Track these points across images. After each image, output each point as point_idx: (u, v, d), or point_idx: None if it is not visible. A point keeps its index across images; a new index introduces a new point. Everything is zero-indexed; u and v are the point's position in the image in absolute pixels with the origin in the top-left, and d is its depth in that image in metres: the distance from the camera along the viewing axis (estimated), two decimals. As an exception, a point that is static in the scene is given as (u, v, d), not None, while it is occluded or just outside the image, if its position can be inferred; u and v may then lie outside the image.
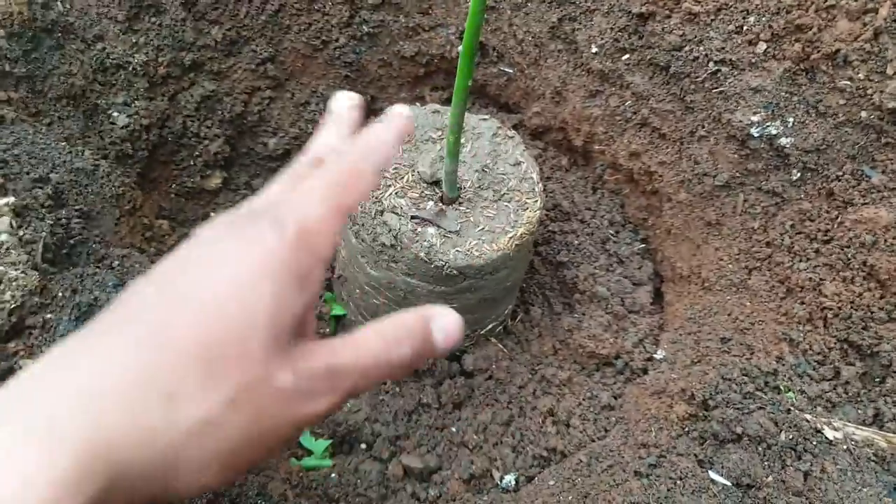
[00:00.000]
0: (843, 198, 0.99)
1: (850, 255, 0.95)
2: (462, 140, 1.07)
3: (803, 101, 1.02)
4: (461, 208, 1.02)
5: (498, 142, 1.12)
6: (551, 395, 1.13)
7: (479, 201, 1.03)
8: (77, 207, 0.86)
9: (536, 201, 1.05)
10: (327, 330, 1.27)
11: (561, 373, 1.15)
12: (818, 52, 0.99)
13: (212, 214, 1.37)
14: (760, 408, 0.85)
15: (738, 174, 1.12)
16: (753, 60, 1.07)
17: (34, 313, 0.68)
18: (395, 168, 1.05)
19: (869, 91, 0.95)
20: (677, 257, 1.27)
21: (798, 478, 0.77)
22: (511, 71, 1.47)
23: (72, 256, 0.77)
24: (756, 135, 1.06)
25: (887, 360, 0.87)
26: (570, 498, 0.85)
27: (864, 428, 0.83)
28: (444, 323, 0.38)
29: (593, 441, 1.03)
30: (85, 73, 1.13)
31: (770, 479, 0.78)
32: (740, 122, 1.08)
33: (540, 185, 1.07)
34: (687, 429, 0.88)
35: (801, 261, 1.02)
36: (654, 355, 1.16)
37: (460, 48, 0.76)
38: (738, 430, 0.83)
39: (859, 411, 0.86)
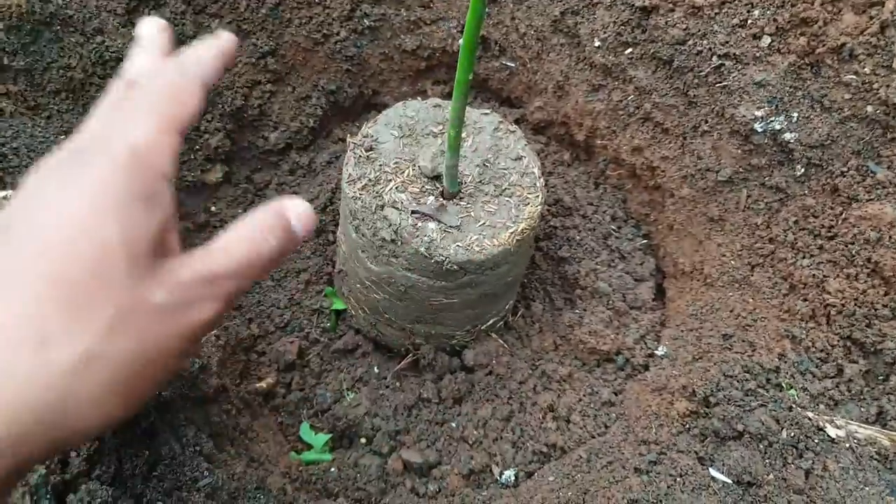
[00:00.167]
0: (848, 194, 0.98)
1: (854, 252, 0.94)
2: (463, 134, 1.06)
3: (808, 95, 1.01)
4: (462, 203, 1.01)
5: (499, 136, 1.12)
6: (552, 391, 1.13)
7: (480, 196, 1.03)
8: (76, 201, 0.85)
9: (538, 196, 1.04)
10: (327, 324, 1.27)
11: (561, 368, 1.15)
12: (823, 45, 0.98)
13: (213, 209, 1.37)
14: (762, 405, 0.85)
15: (741, 169, 1.11)
16: (758, 54, 1.06)
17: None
18: (396, 162, 1.05)
19: (875, 85, 0.94)
20: (679, 253, 1.26)
21: (799, 476, 0.77)
22: (513, 65, 1.46)
23: (70, 250, 0.77)
24: (760, 130, 1.05)
25: (891, 358, 0.87)
26: (569, 494, 0.85)
27: (866, 426, 0.83)
28: (299, 211, 0.41)
29: (593, 437, 1.03)
30: (84, 66, 1.12)
31: (771, 476, 0.78)
32: (744, 116, 1.07)
33: (541, 179, 1.06)
34: (688, 426, 0.88)
35: (804, 257, 1.01)
36: (656, 351, 1.15)
37: (461, 42, 0.76)
38: (740, 427, 0.83)
39: (862, 409, 0.85)
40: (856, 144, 0.98)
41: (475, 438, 1.09)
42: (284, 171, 1.45)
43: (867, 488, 0.75)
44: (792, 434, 0.81)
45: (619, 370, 1.16)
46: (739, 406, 0.86)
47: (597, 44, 1.26)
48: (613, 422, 1.04)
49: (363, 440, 1.12)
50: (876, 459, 0.78)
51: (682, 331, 1.12)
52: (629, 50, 1.22)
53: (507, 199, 1.03)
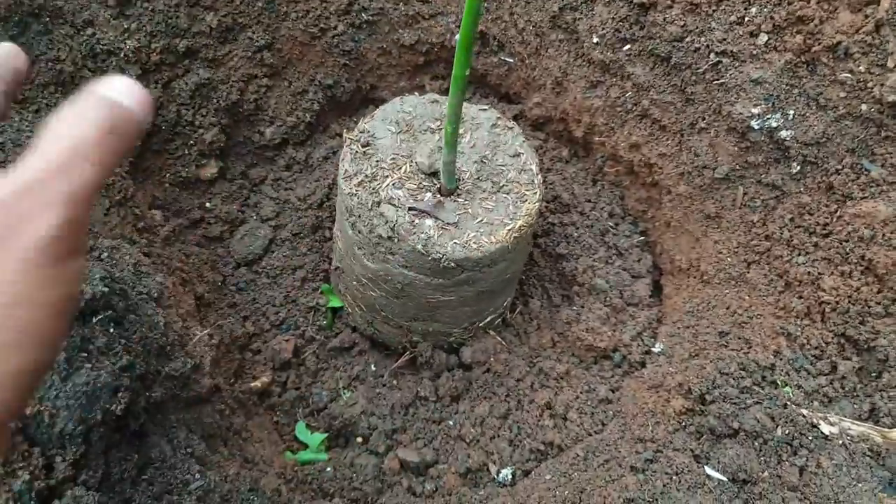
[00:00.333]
0: (843, 191, 0.98)
1: (848, 250, 0.95)
2: (461, 130, 1.05)
3: (804, 93, 1.01)
4: (459, 200, 1.01)
5: (497, 132, 1.11)
6: (549, 389, 1.13)
7: (478, 193, 1.02)
8: (67, 197, 0.84)
9: (536, 193, 1.04)
10: (324, 322, 1.26)
11: (559, 366, 1.15)
12: (819, 44, 0.98)
13: (207, 205, 1.35)
14: (757, 402, 0.85)
15: (737, 167, 1.12)
16: (755, 52, 1.06)
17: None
18: (393, 158, 1.04)
19: (869, 84, 0.94)
20: (676, 250, 1.26)
21: (794, 473, 0.78)
22: (512, 60, 1.46)
23: (62, 247, 0.76)
24: (756, 127, 1.05)
25: (883, 355, 0.87)
26: (565, 493, 0.85)
27: (859, 423, 0.83)
28: (118, 86, 0.35)
29: (590, 435, 1.03)
30: (74, 59, 1.10)
31: (766, 474, 0.78)
32: (741, 114, 1.07)
33: (539, 176, 1.06)
34: (684, 423, 0.88)
35: (799, 255, 1.02)
36: (652, 349, 1.15)
37: (458, 37, 0.75)
38: (735, 425, 0.83)
39: (855, 406, 0.86)
40: (850, 142, 0.98)
41: (472, 437, 1.09)
42: (280, 166, 1.43)
43: (860, 485, 0.75)
44: (786, 431, 0.82)
45: (616, 367, 1.16)
46: (735, 404, 0.86)
47: (595, 40, 1.26)
48: (610, 419, 1.04)
49: (359, 439, 1.12)
50: (868, 456, 0.79)
51: (679, 328, 1.12)
52: (627, 46, 1.22)
53: (504, 195, 1.03)
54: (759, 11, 1.05)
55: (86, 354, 0.66)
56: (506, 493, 0.97)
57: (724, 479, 0.79)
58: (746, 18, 1.07)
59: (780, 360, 0.92)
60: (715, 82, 1.11)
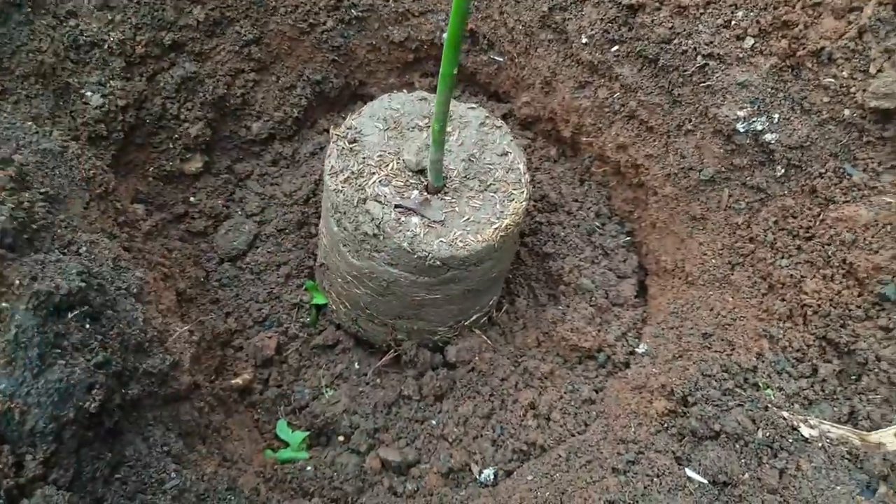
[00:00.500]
0: (825, 195, 0.99)
1: (830, 253, 0.96)
2: (449, 129, 1.05)
3: (789, 97, 1.02)
4: (446, 198, 1.00)
5: (485, 131, 1.11)
6: (533, 388, 1.13)
7: (465, 191, 1.02)
8: (42, 190, 0.82)
9: (523, 192, 1.03)
10: (307, 319, 1.25)
11: (543, 366, 1.15)
12: (804, 48, 0.99)
13: (191, 199, 1.34)
14: (739, 405, 0.86)
15: (723, 169, 1.12)
16: (741, 55, 1.06)
17: (-7, 299, 0.65)
18: (380, 155, 1.03)
19: (852, 89, 0.95)
20: (662, 251, 1.27)
21: (773, 475, 0.78)
22: (501, 59, 1.45)
23: (34, 242, 0.74)
24: (742, 130, 1.06)
25: (863, 359, 0.88)
26: (546, 494, 0.85)
27: (839, 426, 0.84)
28: None
29: (573, 435, 1.03)
30: (56, 50, 1.08)
31: (746, 476, 0.79)
32: (727, 116, 1.07)
33: (527, 175, 1.06)
34: (666, 425, 0.88)
35: (783, 257, 1.02)
36: (637, 349, 1.16)
37: (445, 35, 0.74)
38: (717, 427, 0.84)
39: (835, 409, 0.87)
40: (833, 147, 0.99)
41: (455, 436, 1.09)
42: (267, 161, 1.42)
43: (838, 487, 0.76)
44: (767, 434, 0.82)
45: (600, 367, 1.16)
46: (717, 406, 0.86)
47: (584, 40, 1.26)
48: (593, 420, 1.05)
49: (341, 438, 1.11)
50: (847, 459, 0.79)
51: (663, 328, 1.13)
52: (615, 47, 1.22)
53: (492, 194, 1.02)
54: (745, 15, 1.06)
55: (59, 351, 0.64)
56: (487, 493, 0.96)
57: (705, 481, 0.80)
58: (733, 22, 1.07)
59: (763, 362, 0.93)
60: (702, 84, 1.11)
